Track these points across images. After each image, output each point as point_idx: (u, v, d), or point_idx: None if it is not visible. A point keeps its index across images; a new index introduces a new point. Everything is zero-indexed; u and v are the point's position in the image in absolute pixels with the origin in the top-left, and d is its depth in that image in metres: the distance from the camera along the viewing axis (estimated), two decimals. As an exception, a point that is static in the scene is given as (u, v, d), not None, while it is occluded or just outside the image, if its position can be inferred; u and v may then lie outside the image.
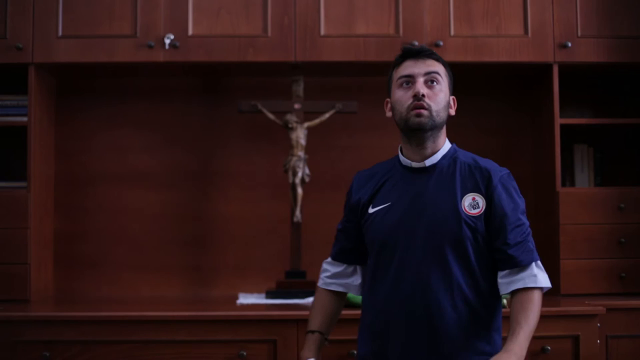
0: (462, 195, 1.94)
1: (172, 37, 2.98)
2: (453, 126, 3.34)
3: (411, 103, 1.96)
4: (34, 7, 2.98)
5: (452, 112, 2.06)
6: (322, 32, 3.02)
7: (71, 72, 3.21)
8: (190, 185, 3.32)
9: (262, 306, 2.84)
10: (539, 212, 3.27)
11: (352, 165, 3.32)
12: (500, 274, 1.94)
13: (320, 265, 2.21)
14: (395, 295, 1.95)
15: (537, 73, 3.21)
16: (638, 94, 3.33)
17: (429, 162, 2.00)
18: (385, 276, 1.98)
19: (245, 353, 2.61)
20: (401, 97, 1.99)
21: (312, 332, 2.10)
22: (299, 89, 3.15)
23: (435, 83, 1.99)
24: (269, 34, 3.01)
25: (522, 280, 1.90)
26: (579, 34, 3.05)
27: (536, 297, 1.89)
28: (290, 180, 3.08)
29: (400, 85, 2.00)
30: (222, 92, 3.35)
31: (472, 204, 1.94)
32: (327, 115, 3.14)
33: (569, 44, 3.03)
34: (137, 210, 3.31)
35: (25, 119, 3.01)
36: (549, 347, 2.65)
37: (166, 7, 3.00)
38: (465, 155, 2.04)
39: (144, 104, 3.33)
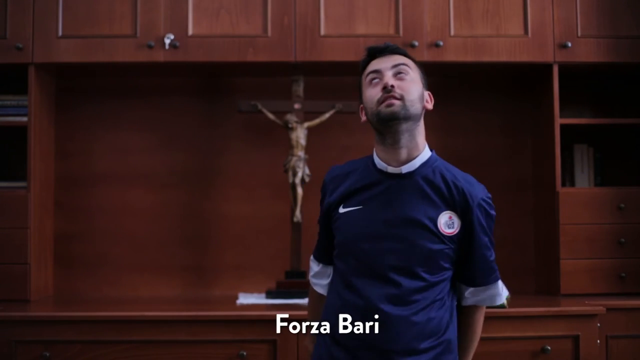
0: (439, 212, 1.87)
1: (172, 37, 2.98)
2: (453, 125, 3.39)
3: (381, 96, 1.87)
4: (34, 7, 2.98)
5: (429, 106, 1.96)
6: (322, 32, 3.02)
7: (71, 72, 3.21)
8: (190, 185, 3.32)
9: (262, 306, 2.84)
10: (539, 212, 3.28)
11: (352, 165, 3.33)
12: (463, 285, 1.96)
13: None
14: (361, 305, 1.86)
15: (537, 73, 3.21)
16: (638, 94, 3.33)
17: (405, 169, 1.90)
18: (348, 283, 1.90)
19: (245, 353, 2.61)
20: (371, 93, 1.92)
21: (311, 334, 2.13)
22: (299, 89, 3.15)
23: (404, 74, 1.91)
24: (269, 34, 3.01)
25: (487, 299, 1.97)
26: (579, 34, 3.05)
27: (481, 317, 2.02)
28: (290, 180, 3.08)
29: (370, 83, 1.93)
30: (222, 92, 3.35)
31: (448, 222, 1.87)
32: (327, 115, 3.14)
33: (569, 44, 3.03)
34: (137, 210, 3.31)
35: (25, 119, 3.01)
36: (549, 347, 2.65)
37: (166, 7, 3.00)
38: (446, 168, 1.95)
39: (144, 104, 3.33)
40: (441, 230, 1.86)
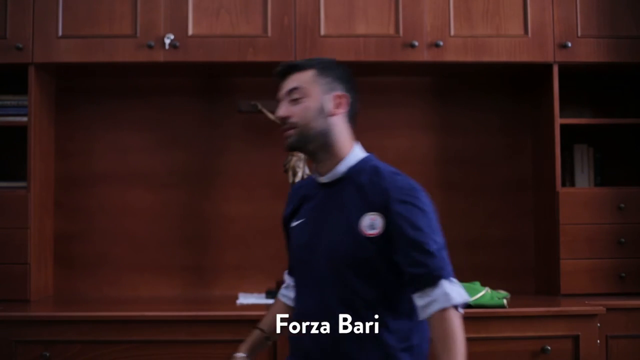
0: (361, 214, 1.83)
1: (172, 37, 2.98)
2: (453, 125, 3.39)
3: (282, 127, 1.94)
4: (34, 7, 2.98)
5: (339, 111, 1.92)
6: (322, 32, 3.02)
7: (71, 72, 3.21)
8: (190, 185, 3.32)
9: (262, 306, 2.84)
10: (539, 212, 3.28)
11: (352, 165, 3.33)
12: (413, 295, 1.79)
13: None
14: (302, 314, 1.92)
15: (537, 73, 3.21)
16: (638, 94, 3.33)
17: (327, 178, 1.93)
18: (298, 293, 1.97)
19: (245, 353, 2.61)
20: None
21: (255, 328, 2.13)
22: (299, 89, 3.14)
23: (298, 97, 1.92)
24: (269, 34, 3.01)
25: (436, 301, 1.75)
26: (579, 34, 3.05)
27: (452, 318, 1.75)
28: (290, 180, 3.08)
29: None
30: (222, 92, 3.35)
31: (370, 224, 1.82)
32: (327, 115, 3.14)
33: (569, 44, 3.03)
34: (137, 210, 3.31)
35: (25, 119, 3.01)
36: (549, 347, 2.65)
37: (166, 7, 3.00)
38: (375, 169, 1.91)
39: (144, 104, 3.33)
40: (363, 233, 1.82)
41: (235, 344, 2.61)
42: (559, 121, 3.05)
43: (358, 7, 3.03)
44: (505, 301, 2.73)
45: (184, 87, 3.35)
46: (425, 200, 1.86)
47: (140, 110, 3.33)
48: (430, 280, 1.76)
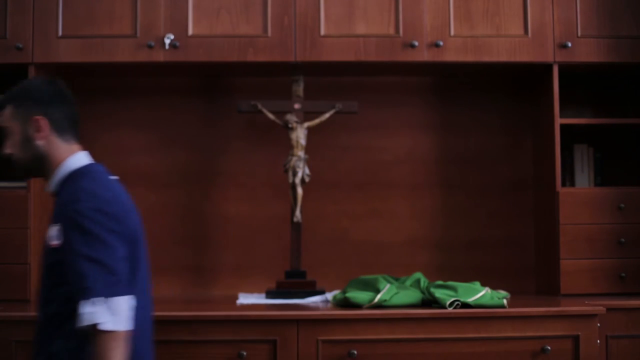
0: (52, 225, 1.95)
1: (172, 37, 2.98)
2: (453, 125, 3.39)
3: None
4: (34, 7, 2.98)
5: (41, 135, 2.02)
6: (322, 32, 3.02)
7: (71, 72, 3.21)
8: (190, 185, 3.32)
9: (262, 306, 2.84)
10: (539, 212, 3.28)
11: (352, 165, 3.34)
12: None
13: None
14: None
15: (537, 73, 3.21)
16: (638, 94, 3.33)
17: (50, 191, 2.06)
18: None
19: (245, 353, 2.61)
20: None
21: None
22: (299, 89, 3.15)
23: (8, 134, 2.03)
24: (269, 34, 3.01)
25: (78, 319, 1.82)
26: (579, 34, 3.05)
27: (99, 340, 1.80)
28: (290, 180, 3.08)
29: None
30: (222, 92, 3.35)
31: (54, 235, 1.93)
32: (327, 115, 3.14)
33: (569, 44, 3.03)
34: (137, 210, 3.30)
35: (25, 119, 3.01)
36: (549, 347, 2.65)
37: (166, 7, 3.00)
38: (70, 182, 2.00)
39: (144, 104, 3.33)
40: (49, 243, 1.93)
41: (235, 344, 2.62)
42: (559, 121, 3.05)
43: (358, 7, 3.03)
44: (505, 301, 2.73)
45: (184, 87, 3.35)
46: (87, 212, 1.90)
47: (140, 110, 3.33)
48: (76, 297, 1.83)
